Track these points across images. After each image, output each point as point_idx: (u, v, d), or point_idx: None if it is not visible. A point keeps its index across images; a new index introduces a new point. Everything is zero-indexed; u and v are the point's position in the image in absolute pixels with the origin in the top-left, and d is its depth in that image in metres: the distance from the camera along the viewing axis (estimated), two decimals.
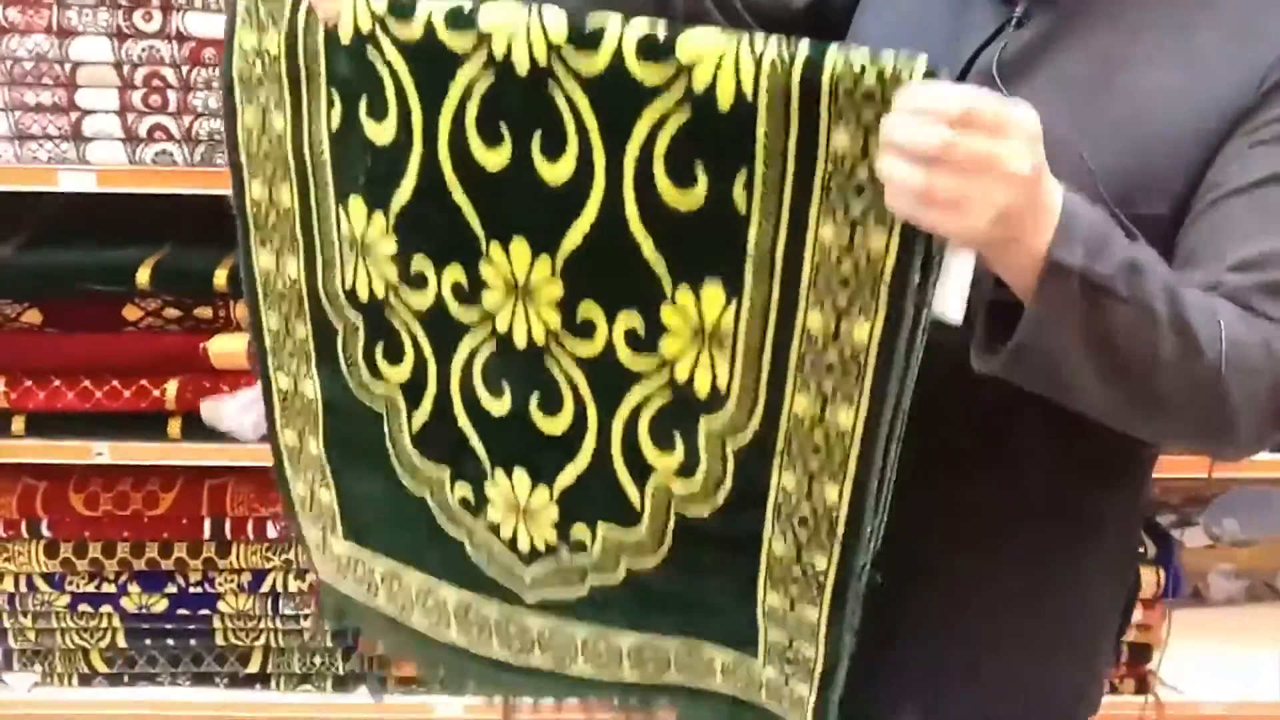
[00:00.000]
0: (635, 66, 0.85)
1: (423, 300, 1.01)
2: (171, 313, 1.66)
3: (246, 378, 1.66)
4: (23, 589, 1.80)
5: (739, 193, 0.85)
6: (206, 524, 1.77)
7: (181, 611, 1.81)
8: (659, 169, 0.88)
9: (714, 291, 0.90)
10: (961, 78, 0.96)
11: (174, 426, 1.71)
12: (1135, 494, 1.11)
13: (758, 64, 0.81)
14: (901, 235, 0.81)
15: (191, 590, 1.80)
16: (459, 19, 0.90)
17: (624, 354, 0.95)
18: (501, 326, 0.99)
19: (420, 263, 1.00)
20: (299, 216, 1.07)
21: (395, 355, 1.07)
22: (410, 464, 1.10)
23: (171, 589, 1.80)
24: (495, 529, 1.08)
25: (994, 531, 1.02)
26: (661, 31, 0.83)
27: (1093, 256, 0.77)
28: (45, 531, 1.77)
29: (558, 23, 0.85)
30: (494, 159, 0.94)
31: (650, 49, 0.84)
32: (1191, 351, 0.81)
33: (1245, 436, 0.87)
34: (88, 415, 1.70)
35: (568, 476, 1.02)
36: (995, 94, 0.74)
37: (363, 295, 1.07)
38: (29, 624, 1.83)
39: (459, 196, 0.96)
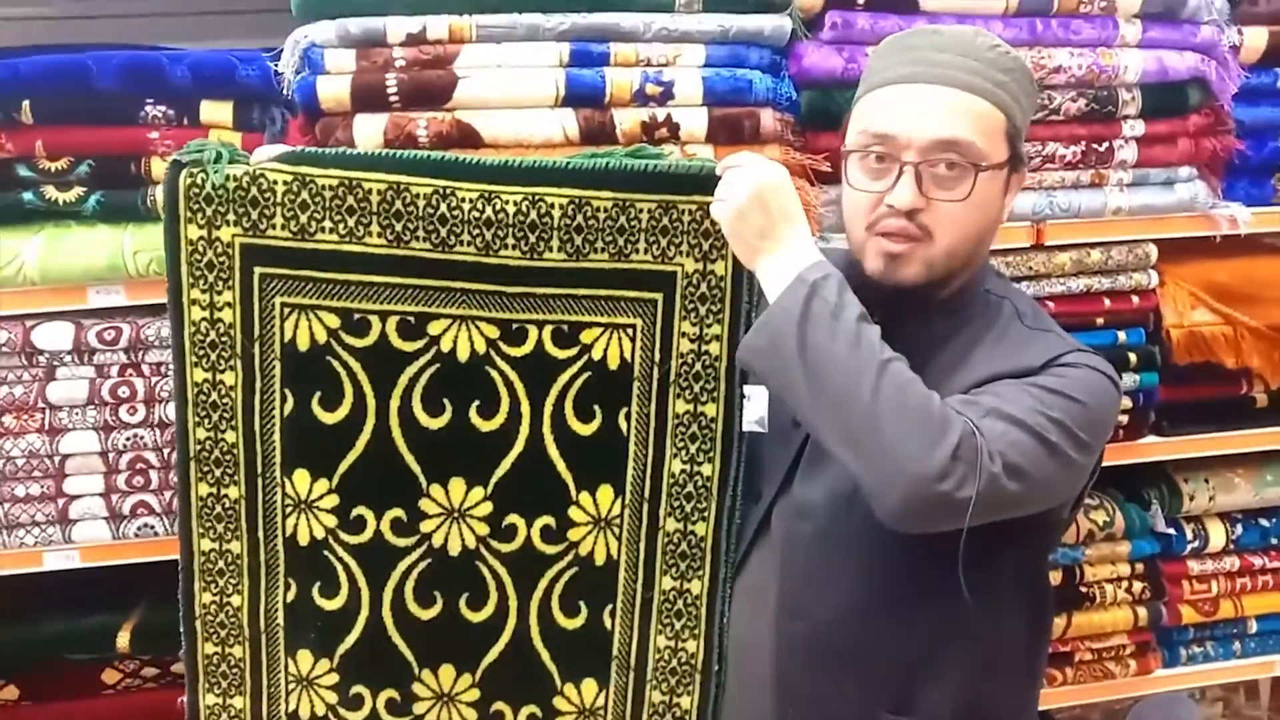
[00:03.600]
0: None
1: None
2: (149, 671, 1.75)
3: None
4: None
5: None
6: None
7: None
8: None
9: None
10: None
11: None
12: None
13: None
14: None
15: None
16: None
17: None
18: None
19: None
20: (249, 667, 1.37)
21: None
22: None
23: None
24: None
25: None
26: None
27: (825, 283, 1.15)
28: None
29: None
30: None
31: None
32: (863, 359, 1.11)
33: (897, 456, 1.09)
34: None
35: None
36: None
37: (304, 715, 1.38)
38: None
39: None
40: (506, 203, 1.22)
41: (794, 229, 1.19)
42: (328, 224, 1.23)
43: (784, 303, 1.15)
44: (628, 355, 1.29)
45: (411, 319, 1.26)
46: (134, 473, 1.66)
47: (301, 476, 1.30)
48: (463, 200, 1.22)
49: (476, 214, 1.22)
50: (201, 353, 1.28)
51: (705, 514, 1.32)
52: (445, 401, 1.29)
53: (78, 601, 1.79)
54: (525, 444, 1.30)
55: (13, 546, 1.66)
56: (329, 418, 1.29)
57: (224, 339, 1.27)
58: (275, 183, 1.22)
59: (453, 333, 1.27)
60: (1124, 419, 1.91)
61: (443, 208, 1.22)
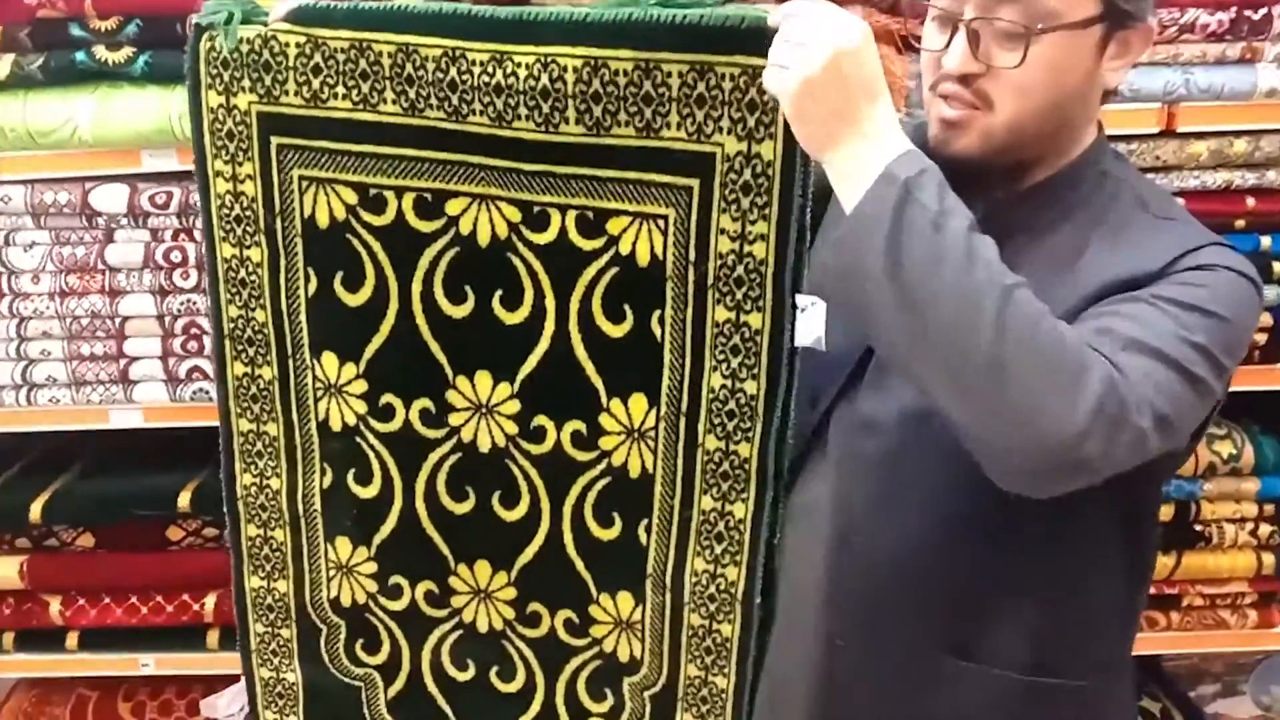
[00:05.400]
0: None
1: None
2: (210, 531, 1.80)
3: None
4: None
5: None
6: None
7: None
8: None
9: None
10: None
11: (212, 638, 1.83)
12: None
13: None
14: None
15: None
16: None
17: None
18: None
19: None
20: (291, 551, 1.32)
21: (373, 647, 1.33)
22: None
23: None
24: None
25: None
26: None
27: (921, 182, 0.90)
28: None
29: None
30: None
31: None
32: (979, 286, 0.88)
33: (1029, 413, 0.88)
34: (134, 630, 1.83)
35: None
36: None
37: (345, 602, 1.31)
38: None
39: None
40: (518, 66, 1.07)
41: (876, 108, 0.93)
42: (340, 90, 1.13)
43: (869, 208, 0.91)
44: (659, 251, 1.11)
45: (428, 196, 1.15)
46: (189, 338, 1.69)
47: (329, 359, 1.24)
48: (473, 64, 1.08)
49: (486, 79, 1.08)
50: (228, 227, 1.22)
51: (749, 434, 1.15)
52: (467, 289, 1.18)
53: (150, 463, 1.86)
54: (551, 341, 1.18)
55: (81, 403, 1.73)
56: (352, 299, 1.21)
57: (247, 213, 1.21)
58: (287, 45, 1.13)
59: (472, 213, 1.15)
60: (1262, 339, 1.66)
61: (452, 72, 1.09)
